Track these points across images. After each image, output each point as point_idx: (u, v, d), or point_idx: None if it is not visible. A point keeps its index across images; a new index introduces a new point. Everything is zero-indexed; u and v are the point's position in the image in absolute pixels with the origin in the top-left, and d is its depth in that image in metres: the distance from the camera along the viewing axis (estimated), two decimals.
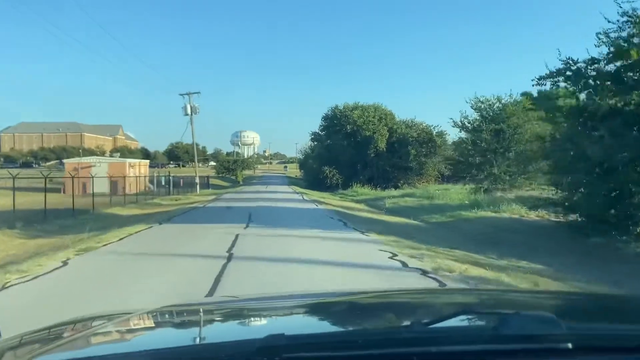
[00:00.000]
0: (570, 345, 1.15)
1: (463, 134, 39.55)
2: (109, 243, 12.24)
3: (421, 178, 55.62)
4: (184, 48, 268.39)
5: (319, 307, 2.01)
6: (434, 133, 55.30)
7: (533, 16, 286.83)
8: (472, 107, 35.90)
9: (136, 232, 14.39)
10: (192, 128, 50.65)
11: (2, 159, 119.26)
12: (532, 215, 22.72)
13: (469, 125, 35.42)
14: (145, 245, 11.71)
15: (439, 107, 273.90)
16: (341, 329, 1.57)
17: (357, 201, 37.90)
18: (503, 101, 35.09)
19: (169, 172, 48.02)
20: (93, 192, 26.85)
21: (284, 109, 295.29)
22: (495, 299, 2.23)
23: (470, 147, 34.54)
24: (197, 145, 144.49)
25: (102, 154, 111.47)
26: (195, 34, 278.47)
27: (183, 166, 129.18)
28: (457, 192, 37.81)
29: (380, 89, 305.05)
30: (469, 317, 1.46)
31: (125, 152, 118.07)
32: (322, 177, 56.73)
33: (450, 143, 58.52)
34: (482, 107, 35.43)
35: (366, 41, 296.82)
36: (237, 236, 12.86)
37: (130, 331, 1.78)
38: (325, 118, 60.78)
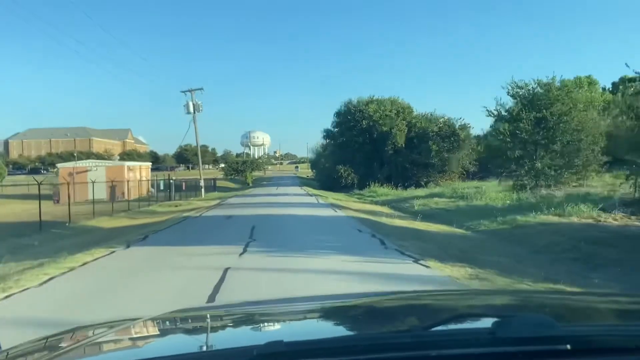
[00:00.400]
0: (568, 347, 1.13)
1: (495, 124, 34.80)
2: (20, 291, 7.55)
3: (444, 175, 50.56)
4: (191, 50, 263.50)
5: (319, 312, 1.97)
6: (457, 126, 50.15)
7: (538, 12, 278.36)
8: (508, 93, 30.89)
9: (82, 265, 9.68)
10: (195, 127, 46.12)
11: (10, 166, 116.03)
12: (609, 219, 17.79)
13: (506, 114, 30.32)
14: (70, 299, 6.98)
15: (457, 100, 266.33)
16: (340, 335, 1.47)
17: (379, 203, 33.05)
18: (545, 85, 30.01)
19: (169, 175, 43.48)
20: (69, 201, 22.28)
21: (294, 109, 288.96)
22: (493, 301, 2.14)
23: (508, 139, 29.49)
24: (206, 147, 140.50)
25: (110, 158, 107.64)
26: (201, 36, 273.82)
27: (192, 169, 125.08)
28: (493, 190, 32.95)
29: (393, 85, 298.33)
30: (468, 320, 1.46)
31: (134, 155, 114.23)
32: (336, 176, 51.86)
33: (473, 136, 53.55)
34: (521, 92, 30.40)
35: (373, 38, 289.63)
36: (225, 272, 8.12)
37: (128, 340, 1.73)
38: (338, 114, 55.88)
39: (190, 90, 46.07)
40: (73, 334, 1.87)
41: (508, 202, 25.73)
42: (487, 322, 1.31)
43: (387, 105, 51.97)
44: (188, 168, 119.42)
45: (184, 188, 42.65)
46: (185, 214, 22.37)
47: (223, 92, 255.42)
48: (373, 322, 1.73)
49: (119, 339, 1.72)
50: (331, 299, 2.37)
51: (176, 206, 33.18)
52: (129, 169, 44.91)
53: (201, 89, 46.36)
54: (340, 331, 1.64)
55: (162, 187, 40.86)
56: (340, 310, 1.99)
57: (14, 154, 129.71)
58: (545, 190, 28.66)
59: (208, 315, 2.10)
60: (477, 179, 51.99)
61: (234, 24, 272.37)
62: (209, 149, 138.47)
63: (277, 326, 1.82)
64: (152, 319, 1.93)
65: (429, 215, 23.22)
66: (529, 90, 30.13)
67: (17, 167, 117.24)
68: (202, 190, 45.24)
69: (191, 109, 45.48)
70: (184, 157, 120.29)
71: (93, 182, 26.36)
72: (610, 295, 3.64)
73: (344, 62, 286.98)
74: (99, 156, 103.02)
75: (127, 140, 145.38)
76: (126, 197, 41.72)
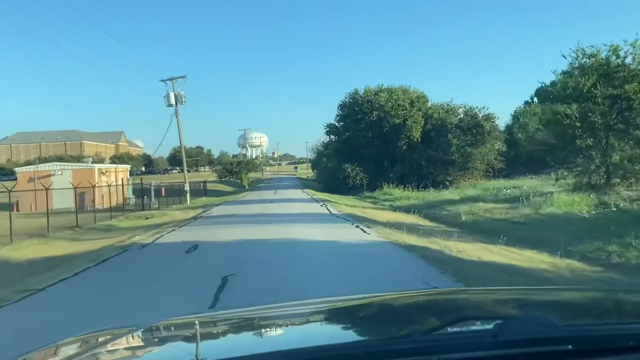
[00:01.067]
0: (569, 347, 1.10)
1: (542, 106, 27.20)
2: None
3: (465, 173, 42.86)
4: (187, 51, 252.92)
5: (318, 316, 1.85)
6: (480, 116, 42.39)
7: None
8: (571, 65, 23.18)
9: None
10: (178, 120, 38.28)
11: None
12: None
13: (572, 91, 22.52)
14: None
15: (468, 92, 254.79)
16: (338, 342, 1.32)
17: (402, 210, 25.35)
18: (622, 52, 22.31)
19: (142, 180, 35.80)
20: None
21: (292, 109, 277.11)
22: (494, 300, 1.99)
23: (578, 123, 21.79)
24: (201, 148, 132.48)
25: (101, 161, 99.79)
26: (199, 36, 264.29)
27: (188, 171, 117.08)
28: (536, 189, 25.42)
29: (400, 78, 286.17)
30: (468, 322, 1.39)
31: (125, 158, 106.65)
32: (342, 177, 43.96)
33: (501, 128, 46.03)
34: (589, 63, 22.70)
35: (374, 30, 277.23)
36: None
37: (119, 350, 1.62)
38: (343, 106, 48.05)
39: (171, 79, 38.31)
40: (72, 343, 1.73)
41: (591, 209, 18.17)
42: (488, 324, 1.28)
43: (399, 94, 44.23)
44: (182, 171, 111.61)
45: (163, 194, 34.82)
46: (136, 238, 14.51)
47: (220, 93, 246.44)
48: (370, 326, 1.66)
49: (111, 350, 1.59)
50: (328, 302, 2.15)
51: (147, 218, 25.43)
52: (101, 172, 37.04)
53: (184, 76, 38.59)
54: (339, 337, 1.50)
55: (130, 194, 33.03)
56: (338, 313, 1.87)
57: (2, 159, 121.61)
58: (630, 191, 21.10)
59: (205, 323, 1.88)
60: (502, 176, 44.42)
61: (231, 24, 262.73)
62: (205, 150, 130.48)
63: (274, 333, 1.67)
64: (143, 328, 1.77)
65: (495, 232, 15.53)
66: (601, 60, 22.43)
67: (4, 173, 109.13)
68: (187, 195, 37.51)
69: (172, 101, 37.71)
70: (178, 159, 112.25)
71: (28, 189, 18.62)
72: (616, 291, 3.08)
73: (344, 58, 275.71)
74: (88, 160, 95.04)
75: (120, 143, 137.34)
76: (97, 206, 34.15)
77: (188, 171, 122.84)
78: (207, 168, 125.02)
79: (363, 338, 1.51)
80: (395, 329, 1.52)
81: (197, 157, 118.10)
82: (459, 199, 27.12)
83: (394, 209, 26.65)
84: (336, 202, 27.22)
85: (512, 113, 56.12)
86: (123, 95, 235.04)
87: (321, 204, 25.25)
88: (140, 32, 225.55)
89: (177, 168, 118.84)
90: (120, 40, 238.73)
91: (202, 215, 22.35)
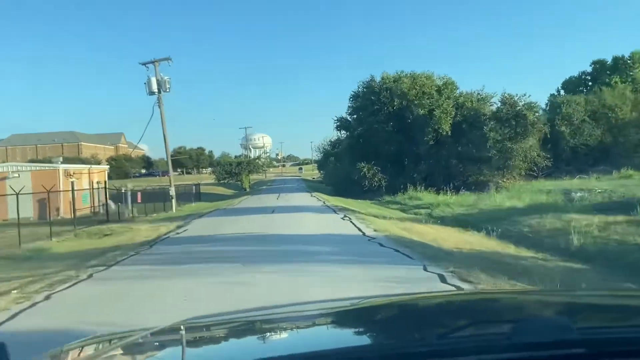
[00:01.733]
0: (583, 351, 1.07)
1: None
2: None
3: (503, 173, 35.49)
4: (186, 50, 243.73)
5: (327, 319, 1.74)
6: (522, 105, 34.96)
7: None
8: None
9: None
10: (161, 111, 30.91)
11: None
12: None
13: None
14: None
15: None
16: (349, 345, 1.26)
17: (452, 222, 18.11)
18: None
19: (106, 183, 28.63)
20: None
21: (295, 109, 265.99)
22: (507, 303, 1.91)
23: None
24: (202, 149, 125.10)
25: (97, 164, 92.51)
26: (202, 36, 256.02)
27: (188, 173, 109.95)
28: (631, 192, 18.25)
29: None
30: (484, 325, 1.38)
31: (122, 160, 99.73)
32: (355, 178, 36.63)
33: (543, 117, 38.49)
34: None
35: (374, 27, 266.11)
36: None
37: (114, 357, 1.52)
38: (356, 97, 40.66)
39: (153, 62, 31.04)
40: (81, 349, 1.64)
41: None
42: (502, 327, 1.26)
43: (423, 80, 36.88)
44: (182, 173, 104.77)
45: (139, 200, 27.65)
46: (11, 297, 7.26)
47: (222, 94, 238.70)
48: (384, 329, 1.56)
49: (111, 355, 1.52)
50: (339, 303, 2.04)
51: (104, 235, 18.14)
52: (68, 174, 29.82)
53: (168, 59, 31.23)
54: (349, 340, 1.42)
55: (85, 201, 25.88)
56: (347, 315, 1.74)
57: None
58: None
59: (212, 326, 1.77)
60: (544, 176, 37.10)
61: (232, 23, 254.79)
62: (207, 151, 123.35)
63: (280, 337, 1.57)
64: (149, 333, 1.65)
65: None
66: None
67: None
68: (173, 201, 30.24)
69: (154, 88, 30.49)
70: (178, 160, 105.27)
71: None
72: (633, 292, 2.87)
73: (346, 56, 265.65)
74: (84, 161, 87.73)
75: (120, 145, 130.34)
76: (62, 215, 27.11)
77: (189, 173, 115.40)
78: (209, 170, 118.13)
79: (375, 341, 1.42)
80: (410, 332, 1.46)
81: (186, 156, 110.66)
82: (524, 207, 19.78)
83: (438, 220, 19.35)
84: (359, 211, 19.93)
85: (544, 106, 48.50)
86: (125, 96, 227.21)
87: (341, 215, 17.92)
88: (140, 31, 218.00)
89: (178, 170, 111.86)
90: (120, 38, 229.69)
91: (170, 234, 15.05)
